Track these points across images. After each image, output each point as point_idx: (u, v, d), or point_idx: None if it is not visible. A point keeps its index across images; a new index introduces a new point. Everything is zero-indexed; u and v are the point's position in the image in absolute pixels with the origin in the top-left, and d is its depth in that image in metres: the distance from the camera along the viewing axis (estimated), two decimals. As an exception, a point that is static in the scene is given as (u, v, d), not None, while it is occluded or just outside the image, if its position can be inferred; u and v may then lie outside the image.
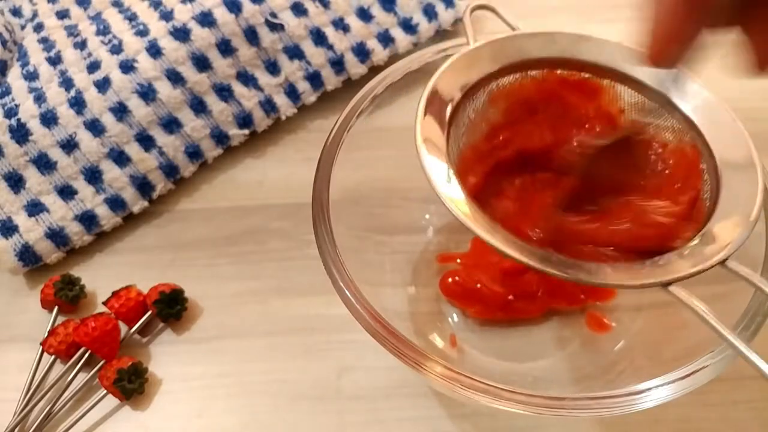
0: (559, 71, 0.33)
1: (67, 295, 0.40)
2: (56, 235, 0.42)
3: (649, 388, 0.27)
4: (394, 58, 0.47)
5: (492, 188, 0.34)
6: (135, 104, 0.43)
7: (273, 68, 0.47)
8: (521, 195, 0.34)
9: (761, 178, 0.29)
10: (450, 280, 0.39)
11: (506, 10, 0.36)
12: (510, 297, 0.38)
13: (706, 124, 0.31)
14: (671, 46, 0.25)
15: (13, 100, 0.43)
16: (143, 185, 0.44)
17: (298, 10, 0.46)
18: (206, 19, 0.44)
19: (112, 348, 0.38)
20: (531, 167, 0.35)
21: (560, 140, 0.34)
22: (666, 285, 0.26)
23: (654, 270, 0.27)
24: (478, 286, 0.38)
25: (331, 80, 0.48)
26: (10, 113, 0.42)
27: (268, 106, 0.47)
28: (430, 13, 0.49)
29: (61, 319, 0.40)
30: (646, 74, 0.32)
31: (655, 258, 0.28)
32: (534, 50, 0.33)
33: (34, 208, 0.42)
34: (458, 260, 0.40)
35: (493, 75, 0.33)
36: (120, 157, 0.43)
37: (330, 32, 0.47)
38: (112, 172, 0.43)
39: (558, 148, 0.34)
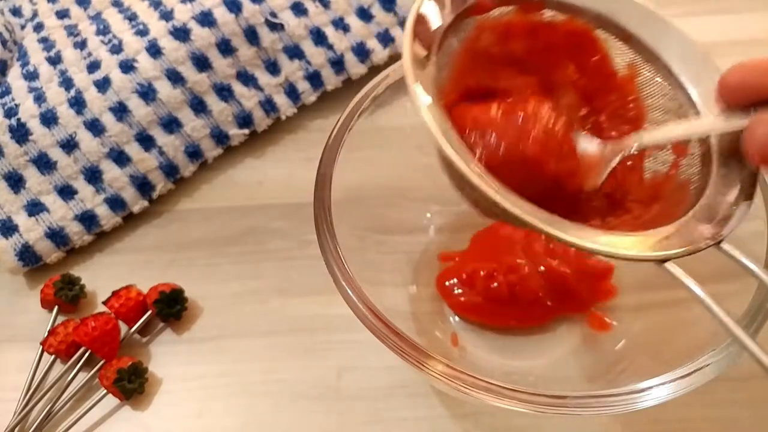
0: (548, 13, 0.31)
1: (67, 295, 0.40)
2: (56, 235, 0.42)
3: (650, 387, 0.27)
4: (394, 58, 0.47)
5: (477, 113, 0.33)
6: (135, 104, 0.43)
7: (273, 68, 0.47)
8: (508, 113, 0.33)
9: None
10: (447, 283, 0.39)
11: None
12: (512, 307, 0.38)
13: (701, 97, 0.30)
14: None
15: (13, 99, 0.43)
16: (143, 185, 0.44)
17: (298, 9, 0.46)
18: (206, 19, 0.44)
19: (112, 348, 0.38)
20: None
21: (546, 71, 0.32)
22: (662, 261, 0.26)
23: (650, 243, 0.26)
24: (479, 299, 0.38)
25: (331, 80, 0.48)
26: (10, 113, 0.42)
27: (268, 105, 0.47)
28: (430, 13, 0.49)
29: (61, 319, 0.40)
30: (640, 28, 0.31)
31: (648, 231, 0.27)
32: None
33: (34, 208, 0.42)
34: (457, 258, 0.40)
35: (481, 6, 0.30)
36: (120, 157, 0.43)
37: (330, 32, 0.47)
38: (112, 172, 0.43)
39: (543, 78, 0.32)
